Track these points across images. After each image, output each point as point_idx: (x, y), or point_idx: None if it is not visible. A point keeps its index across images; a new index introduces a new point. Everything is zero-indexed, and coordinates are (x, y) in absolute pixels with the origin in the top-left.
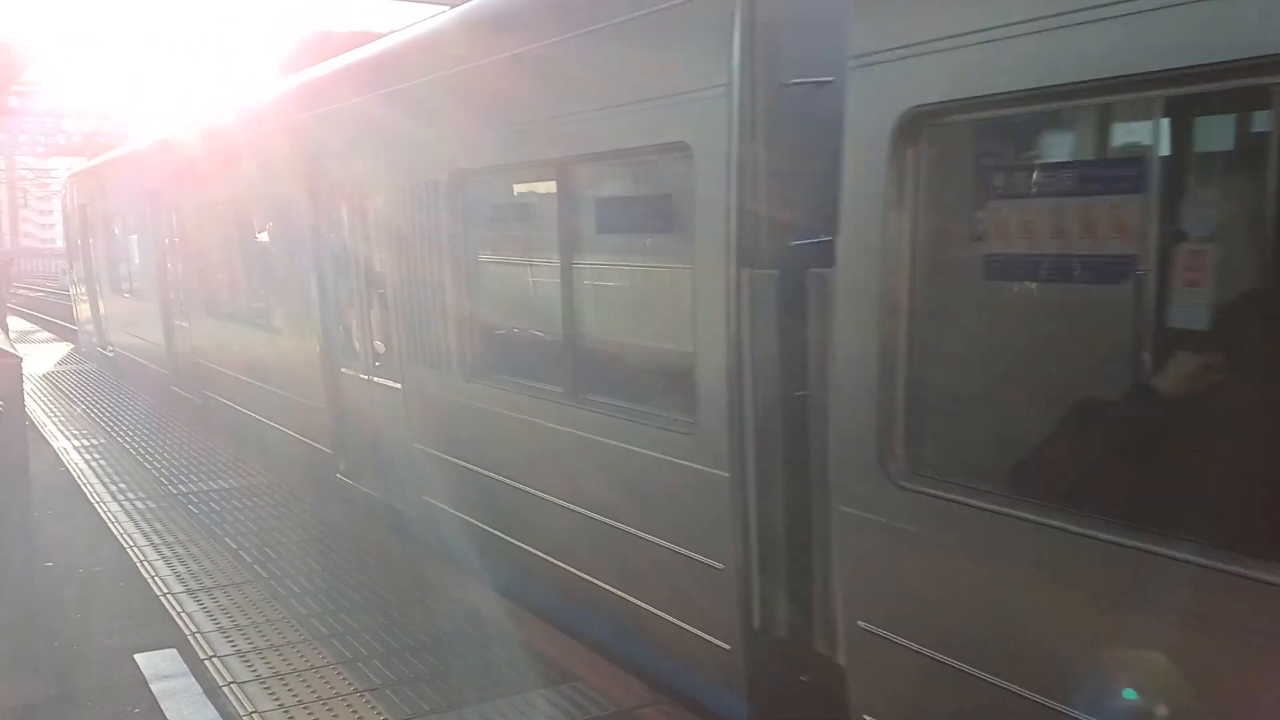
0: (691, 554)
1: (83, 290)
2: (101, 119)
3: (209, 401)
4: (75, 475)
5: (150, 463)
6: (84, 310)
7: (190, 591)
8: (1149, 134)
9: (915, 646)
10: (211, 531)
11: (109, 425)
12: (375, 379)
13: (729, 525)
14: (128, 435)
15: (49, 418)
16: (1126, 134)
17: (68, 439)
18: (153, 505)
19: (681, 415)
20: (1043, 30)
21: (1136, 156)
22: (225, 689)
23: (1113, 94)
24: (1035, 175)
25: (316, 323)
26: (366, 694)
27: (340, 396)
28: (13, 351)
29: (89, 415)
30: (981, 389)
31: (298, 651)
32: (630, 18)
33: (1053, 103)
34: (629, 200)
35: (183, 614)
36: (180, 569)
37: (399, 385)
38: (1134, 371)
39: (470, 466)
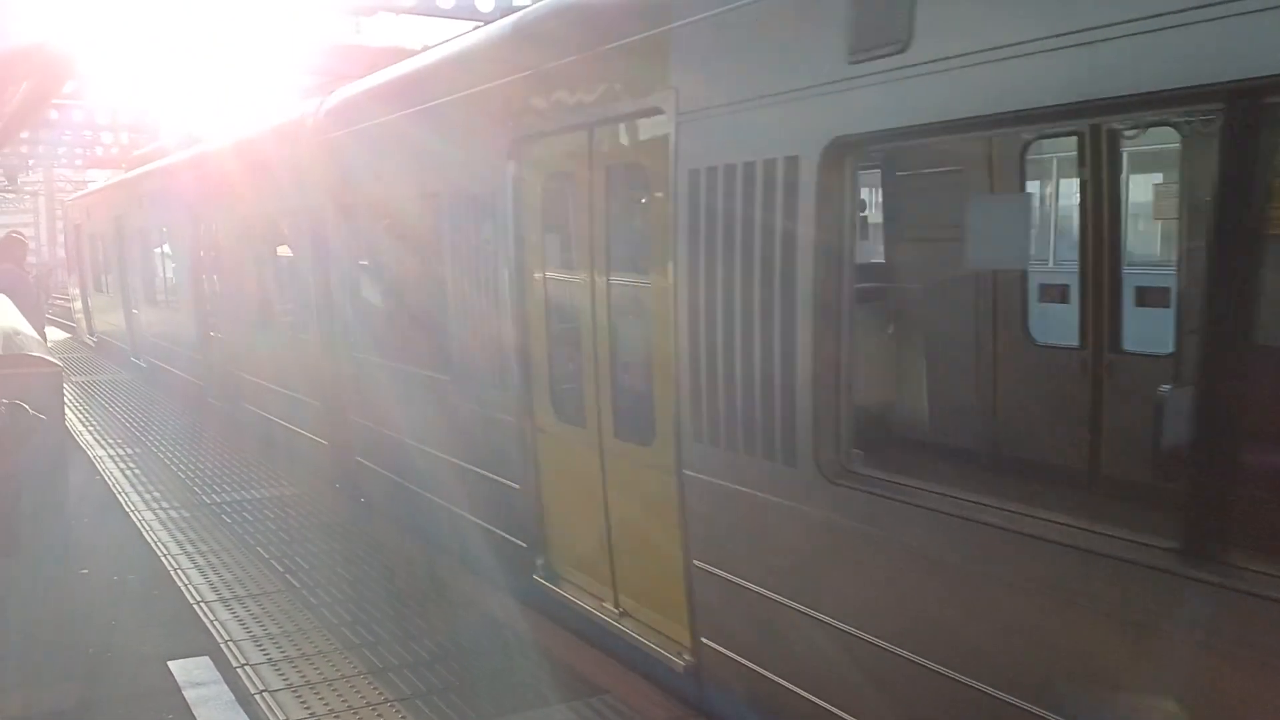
0: (300, 396)
1: (78, 294)
2: (135, 131)
3: (150, 365)
4: (110, 484)
5: (184, 473)
6: (79, 310)
7: (223, 600)
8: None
9: (362, 422)
10: (244, 541)
11: (144, 435)
12: (212, 334)
13: (314, 372)
14: (162, 445)
15: (85, 427)
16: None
17: (103, 448)
18: (186, 514)
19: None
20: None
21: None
22: (257, 697)
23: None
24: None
25: (194, 304)
26: (396, 704)
27: (206, 348)
28: (53, 360)
29: (124, 425)
30: (362, 315)
31: (328, 660)
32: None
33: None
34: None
35: (215, 622)
36: (213, 577)
37: (219, 336)
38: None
39: (238, 373)
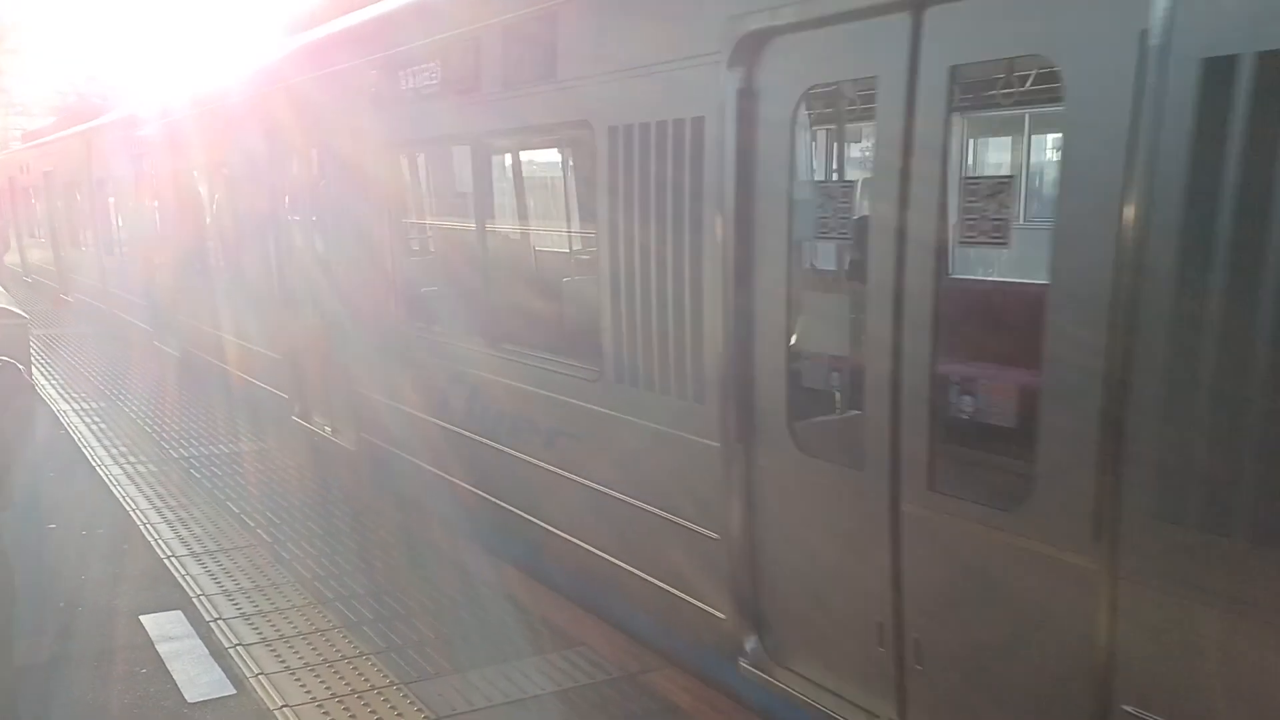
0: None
1: (11, 242)
2: (91, 80)
3: (74, 296)
4: (76, 438)
5: (150, 427)
6: (13, 254)
7: (194, 555)
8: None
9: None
10: (213, 495)
11: (109, 389)
12: (62, 254)
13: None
14: (127, 399)
15: (48, 380)
16: None
17: (67, 402)
18: (154, 469)
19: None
20: None
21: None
22: (231, 651)
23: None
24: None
25: (50, 235)
26: (371, 656)
27: (58, 261)
28: (19, 312)
29: (89, 380)
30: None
31: (302, 614)
32: None
33: None
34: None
35: (187, 577)
36: (183, 532)
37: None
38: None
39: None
